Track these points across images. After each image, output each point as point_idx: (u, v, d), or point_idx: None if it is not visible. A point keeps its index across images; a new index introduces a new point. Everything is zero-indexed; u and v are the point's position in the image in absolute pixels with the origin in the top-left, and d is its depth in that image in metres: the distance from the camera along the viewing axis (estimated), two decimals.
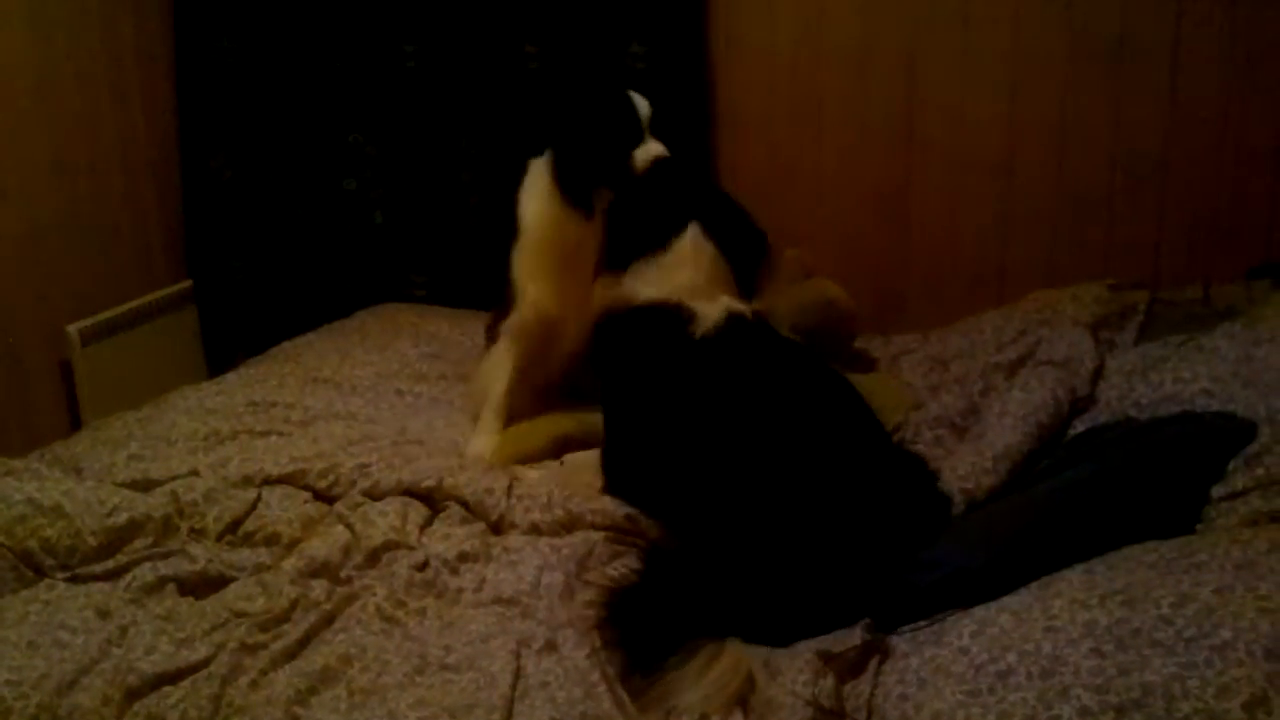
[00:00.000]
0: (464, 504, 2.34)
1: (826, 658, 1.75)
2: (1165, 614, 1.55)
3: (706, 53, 3.34)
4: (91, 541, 2.19)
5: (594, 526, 2.24)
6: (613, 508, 2.27)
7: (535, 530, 2.26)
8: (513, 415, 2.71)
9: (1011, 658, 1.58)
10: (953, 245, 3.32)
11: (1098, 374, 2.50)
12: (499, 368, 2.73)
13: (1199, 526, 1.90)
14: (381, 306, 3.53)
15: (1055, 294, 2.88)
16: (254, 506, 2.36)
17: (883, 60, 3.26)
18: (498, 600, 2.06)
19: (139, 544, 2.22)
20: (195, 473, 2.44)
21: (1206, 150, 3.05)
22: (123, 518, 2.23)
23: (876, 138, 3.31)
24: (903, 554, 1.97)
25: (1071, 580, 1.70)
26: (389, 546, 2.22)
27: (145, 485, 2.39)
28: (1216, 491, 1.95)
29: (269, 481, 2.43)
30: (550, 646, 1.90)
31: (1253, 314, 2.39)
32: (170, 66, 3.58)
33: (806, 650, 1.76)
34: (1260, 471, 1.94)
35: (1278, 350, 2.19)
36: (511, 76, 3.41)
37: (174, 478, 2.42)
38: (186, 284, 3.65)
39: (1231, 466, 1.98)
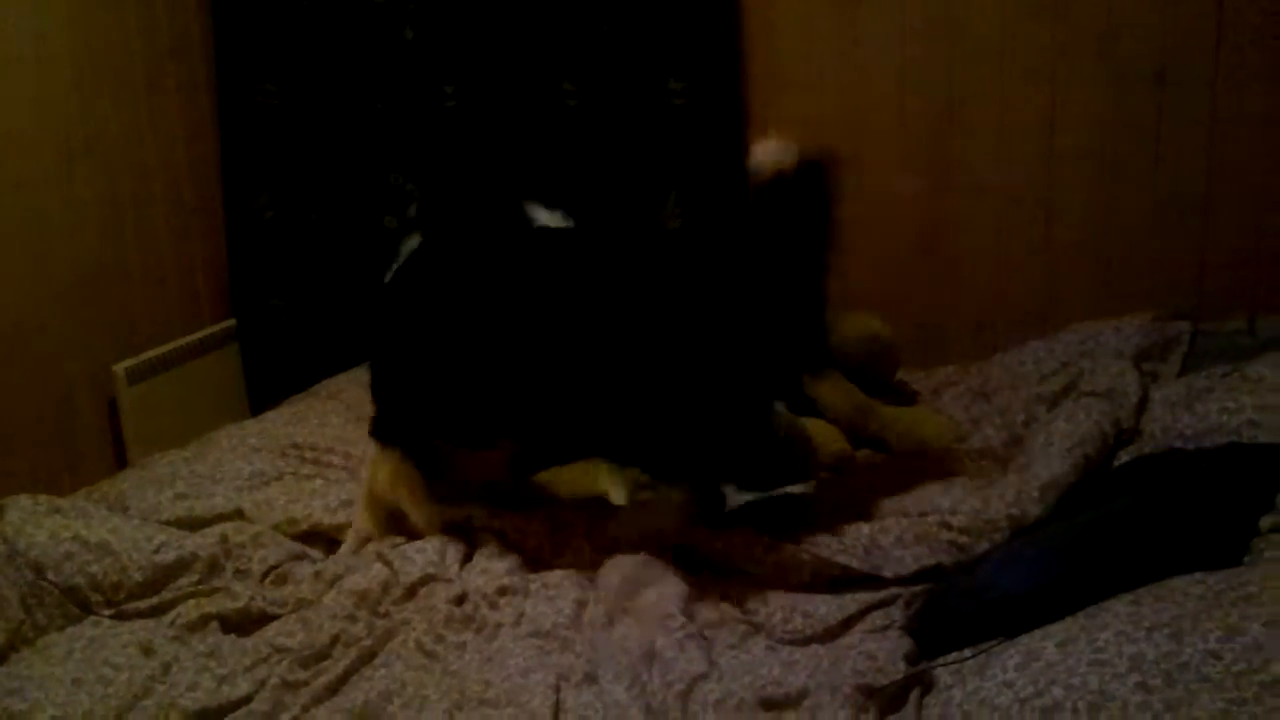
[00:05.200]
0: (502, 536, 2.35)
1: (867, 692, 1.73)
2: (1213, 648, 1.52)
3: (744, 89, 3.35)
4: (137, 578, 2.22)
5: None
6: None
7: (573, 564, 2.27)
8: None
9: (1058, 691, 1.56)
10: (995, 280, 3.29)
11: (1142, 405, 2.48)
12: None
13: (1246, 558, 1.87)
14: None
15: (1097, 325, 2.86)
16: (299, 552, 2.38)
17: (922, 96, 3.25)
18: (536, 634, 2.05)
19: (184, 581, 2.24)
20: (241, 513, 2.46)
21: (1249, 180, 3.02)
22: (169, 555, 2.26)
23: (917, 173, 3.30)
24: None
25: (1118, 612, 1.68)
26: (426, 580, 2.23)
27: (191, 524, 2.41)
28: (1265, 523, 1.92)
29: (315, 529, 2.46)
30: (589, 679, 1.89)
31: None
32: (213, 109, 3.63)
33: (846, 685, 1.74)
34: None
35: None
36: (550, 114, 3.44)
37: (220, 517, 2.44)
38: (230, 323, 3.68)
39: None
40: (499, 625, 2.09)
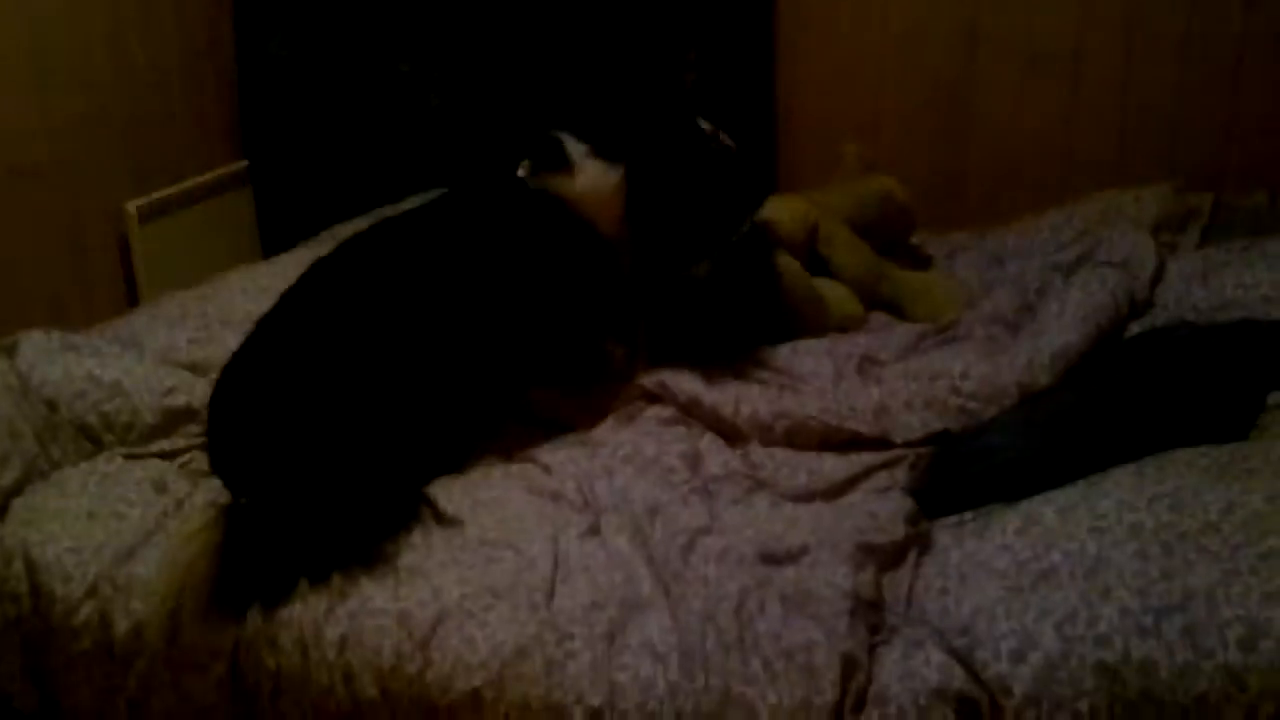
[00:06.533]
0: None
1: (867, 550, 1.75)
2: (1213, 520, 1.54)
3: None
4: (149, 419, 2.23)
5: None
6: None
7: None
8: None
9: (1055, 556, 1.58)
10: (1015, 140, 3.25)
11: (1157, 277, 2.46)
12: None
13: (1253, 433, 1.88)
14: (435, 191, 3.51)
15: (1118, 195, 2.83)
16: None
17: None
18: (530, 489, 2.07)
19: (194, 428, 2.25)
20: None
21: None
22: (180, 400, 2.27)
23: (939, 27, 3.23)
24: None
25: (1120, 481, 1.69)
26: None
27: (204, 368, 2.39)
28: (1273, 398, 1.92)
29: None
30: (592, 531, 1.90)
31: None
32: None
33: (846, 542, 1.76)
34: None
35: None
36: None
37: None
38: (242, 164, 3.65)
39: None
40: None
